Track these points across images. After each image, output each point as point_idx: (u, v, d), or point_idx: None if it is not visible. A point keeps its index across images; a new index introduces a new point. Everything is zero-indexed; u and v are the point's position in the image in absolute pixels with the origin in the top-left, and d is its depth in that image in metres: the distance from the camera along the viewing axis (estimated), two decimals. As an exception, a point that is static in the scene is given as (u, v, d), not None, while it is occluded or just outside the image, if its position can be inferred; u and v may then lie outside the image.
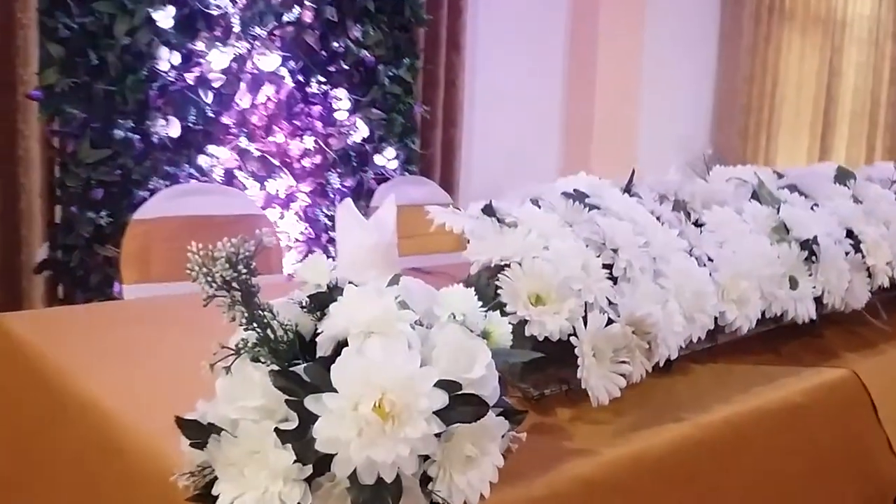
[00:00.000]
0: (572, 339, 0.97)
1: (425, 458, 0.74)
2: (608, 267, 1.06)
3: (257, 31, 2.75)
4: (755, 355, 1.33)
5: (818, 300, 1.34)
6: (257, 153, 2.82)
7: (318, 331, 0.81)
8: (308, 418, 0.72)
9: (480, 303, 0.86)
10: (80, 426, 1.10)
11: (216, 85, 2.66)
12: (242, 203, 2.50)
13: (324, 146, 2.99)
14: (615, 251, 1.07)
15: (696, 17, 4.92)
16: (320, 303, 0.84)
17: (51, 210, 2.49)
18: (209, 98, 2.65)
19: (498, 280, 1.00)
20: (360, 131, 3.05)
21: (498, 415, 0.80)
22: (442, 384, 0.74)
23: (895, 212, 1.56)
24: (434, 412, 0.73)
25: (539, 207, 1.13)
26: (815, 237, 1.33)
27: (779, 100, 5.32)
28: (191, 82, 2.61)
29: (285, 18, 2.84)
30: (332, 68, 2.99)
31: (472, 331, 0.83)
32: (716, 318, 1.18)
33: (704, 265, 1.19)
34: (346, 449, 0.71)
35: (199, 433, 0.77)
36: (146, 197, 2.41)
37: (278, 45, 2.83)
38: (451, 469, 0.77)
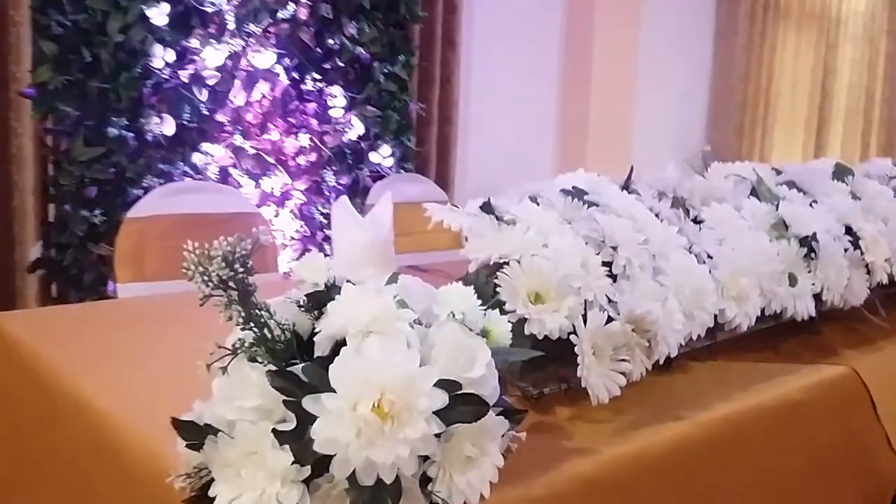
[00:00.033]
0: (572, 337, 0.96)
1: (425, 458, 0.73)
2: (607, 264, 1.05)
3: (252, 28, 2.74)
4: (754, 353, 1.32)
5: (817, 297, 1.33)
6: (252, 151, 2.81)
7: (316, 330, 0.80)
8: (306, 419, 0.71)
9: (479, 301, 0.85)
10: (74, 427, 1.09)
11: (210, 82, 2.65)
12: (237, 201, 2.49)
13: (319, 144, 2.97)
14: (614, 248, 1.06)
15: (691, 15, 4.92)
16: (318, 302, 0.83)
17: (44, 208, 2.48)
18: (203, 96, 2.64)
19: (497, 278, 0.99)
20: (356, 129, 3.04)
21: (498, 414, 0.79)
22: (442, 384, 0.73)
23: (893, 208, 1.56)
24: (434, 412, 0.72)
25: (538, 205, 1.12)
26: (815, 234, 1.32)
27: (774, 96, 5.32)
28: (185, 80, 2.60)
29: (280, 15, 2.83)
30: (327, 65, 2.98)
31: (471, 329, 0.82)
32: (715, 316, 1.17)
33: (704, 262, 1.18)
34: (344, 450, 0.70)
35: (196, 434, 0.76)
36: (140, 195, 2.39)
37: (273, 43, 2.82)
38: (451, 469, 0.76)
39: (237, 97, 2.74)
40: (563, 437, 0.97)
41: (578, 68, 4.16)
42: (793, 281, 1.28)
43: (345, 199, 1.64)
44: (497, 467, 0.79)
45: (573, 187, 1.16)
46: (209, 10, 2.63)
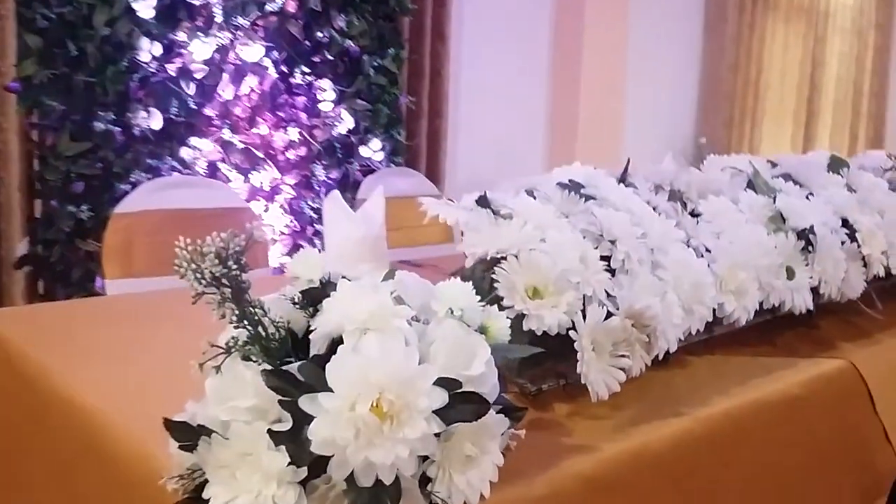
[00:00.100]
0: (571, 332, 0.95)
1: (424, 458, 0.72)
2: (606, 259, 1.04)
3: (240, 20, 2.71)
4: (751, 347, 1.31)
5: (814, 290, 1.32)
6: (241, 145, 2.78)
7: (311, 328, 0.78)
8: (302, 419, 0.70)
9: (477, 297, 0.84)
10: (63, 427, 1.07)
11: (198, 76, 2.62)
12: (226, 196, 2.47)
13: (308, 138, 2.95)
14: (613, 243, 1.04)
15: (680, 7, 4.91)
16: (313, 298, 0.81)
17: (30, 204, 2.45)
18: (191, 89, 2.61)
19: (494, 273, 0.97)
20: (346, 122, 3.02)
21: (498, 412, 0.78)
22: (441, 382, 0.72)
23: (889, 201, 1.55)
24: (433, 411, 0.70)
25: (534, 198, 1.10)
26: (812, 227, 1.31)
27: (763, 89, 5.33)
28: (172, 73, 2.57)
29: (268, 8, 2.80)
30: (316, 59, 2.95)
31: (469, 326, 0.80)
32: (713, 310, 1.16)
33: (702, 256, 1.17)
34: (342, 451, 0.68)
35: (189, 435, 0.74)
36: (128, 190, 2.37)
37: (261, 36, 2.79)
38: (451, 469, 0.74)
39: (225, 91, 2.72)
40: (563, 434, 0.96)
41: (568, 62, 4.15)
42: (790, 274, 1.27)
43: (336, 193, 1.63)
44: (497, 466, 0.77)
45: (570, 181, 1.15)
46: (196, 2, 2.60)
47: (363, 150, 3.08)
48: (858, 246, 1.40)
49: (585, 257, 1.00)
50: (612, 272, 1.04)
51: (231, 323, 0.76)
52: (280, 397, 0.71)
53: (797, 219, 1.32)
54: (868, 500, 1.32)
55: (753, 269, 1.20)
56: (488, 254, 1.00)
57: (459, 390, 0.73)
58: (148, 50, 2.49)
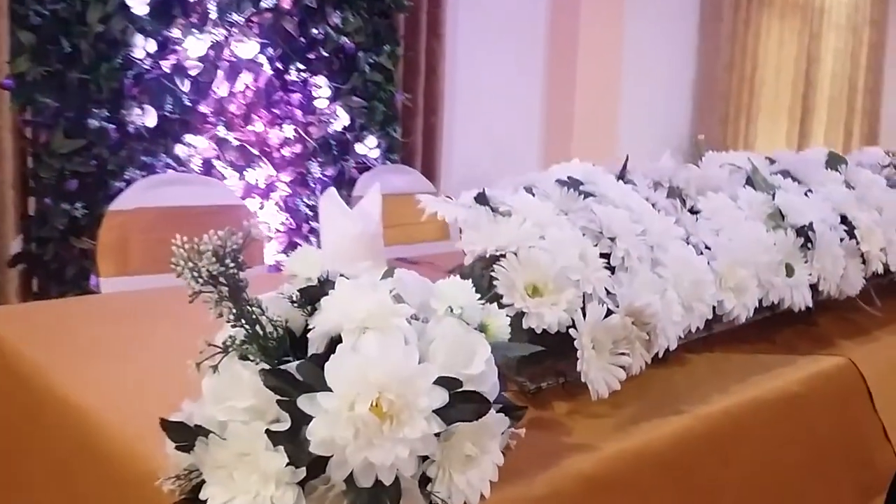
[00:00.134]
0: (571, 331, 0.94)
1: (424, 458, 0.71)
2: (605, 256, 1.03)
3: (234, 17, 2.69)
4: (750, 344, 1.31)
5: (813, 287, 1.31)
6: (236, 142, 2.77)
7: (310, 326, 0.78)
8: (301, 419, 0.69)
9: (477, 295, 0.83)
10: (58, 426, 1.06)
11: (193, 73, 2.61)
12: (221, 193, 2.46)
13: (304, 135, 2.94)
14: (612, 240, 1.04)
15: (675, 4, 4.91)
16: (311, 297, 0.80)
17: (24, 202, 2.44)
18: (186, 86, 2.59)
19: (493, 271, 0.96)
20: (341, 119, 3.00)
21: (498, 411, 0.77)
22: (441, 381, 0.71)
23: (887, 197, 1.54)
24: (434, 411, 0.69)
25: (533, 195, 1.09)
26: (811, 223, 1.30)
27: (758, 85, 5.33)
28: (167, 70, 2.56)
29: (263, 4, 2.78)
30: (311, 55, 2.94)
31: (469, 324, 0.80)
32: (713, 308, 1.15)
33: (702, 253, 1.17)
34: (342, 451, 0.67)
35: (186, 436, 0.73)
36: (122, 188, 2.36)
37: (256, 32, 2.78)
38: (451, 469, 0.74)
39: (220, 88, 2.70)
40: (563, 432, 0.95)
41: (564, 59, 4.14)
42: (790, 271, 1.27)
43: (332, 190, 1.61)
44: (497, 466, 0.77)
45: (569, 177, 1.14)
46: (191, -1, 2.59)
47: (359, 148, 3.07)
48: (857, 243, 1.39)
49: (585, 255, 0.99)
50: (612, 270, 1.03)
51: (228, 322, 0.75)
52: (278, 397, 0.70)
53: (796, 216, 1.32)
54: (867, 497, 1.32)
55: (753, 267, 1.20)
56: (487, 251, 0.99)
57: (460, 389, 0.72)
58: (142, 47, 2.47)
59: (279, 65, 2.87)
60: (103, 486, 0.95)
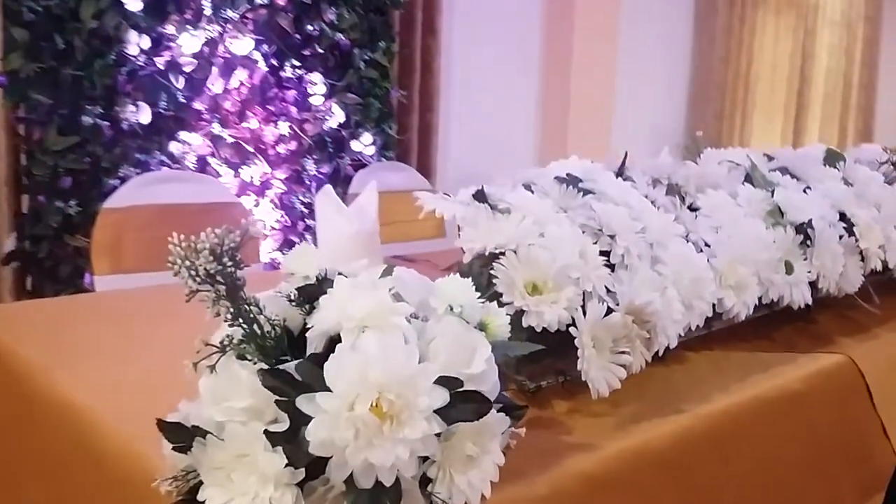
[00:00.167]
0: (571, 329, 0.93)
1: (424, 458, 0.70)
2: (605, 254, 1.02)
3: (229, 13, 2.68)
4: (749, 342, 1.30)
5: (812, 285, 1.31)
6: (231, 139, 2.75)
7: (308, 325, 0.77)
8: (300, 419, 0.68)
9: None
10: (53, 427, 1.05)
11: (187, 69, 2.59)
12: (216, 191, 2.44)
13: (299, 132, 2.92)
14: (612, 237, 1.03)
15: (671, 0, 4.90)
16: (309, 296, 0.79)
17: (17, 199, 2.42)
18: (180, 83, 2.58)
19: (492, 269, 0.96)
20: (336, 116, 2.99)
21: (498, 411, 0.76)
22: (442, 381, 0.70)
23: (885, 194, 1.54)
24: (434, 411, 0.69)
25: (532, 193, 1.08)
26: (810, 221, 1.30)
27: (753, 81, 5.33)
28: (161, 67, 2.54)
29: (257, 1, 2.77)
30: (306, 52, 2.92)
31: (468, 323, 0.79)
32: (713, 305, 1.15)
33: (701, 251, 1.16)
34: (341, 452, 0.66)
35: (183, 436, 0.72)
36: (116, 185, 2.34)
37: (251, 29, 2.76)
38: (451, 469, 0.73)
39: (215, 84, 2.69)
40: (563, 432, 0.94)
41: (558, 55, 4.13)
42: (789, 269, 1.26)
43: (329, 188, 1.60)
44: (498, 466, 0.76)
45: (567, 174, 1.13)
46: (185, -5, 2.57)
47: (354, 145, 3.06)
48: (856, 240, 1.39)
49: (585, 252, 0.98)
50: (612, 267, 1.02)
51: (226, 321, 0.74)
52: (277, 397, 0.69)
53: (795, 213, 1.31)
54: (866, 494, 1.31)
55: (753, 264, 1.19)
56: (486, 249, 0.98)
57: (460, 389, 0.71)
58: (136, 43, 2.46)
59: (274, 61, 2.86)
60: (99, 486, 0.94)
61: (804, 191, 1.42)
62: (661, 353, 1.06)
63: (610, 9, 4.24)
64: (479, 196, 1.05)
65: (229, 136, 2.75)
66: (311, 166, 2.96)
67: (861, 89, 6.29)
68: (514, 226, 0.99)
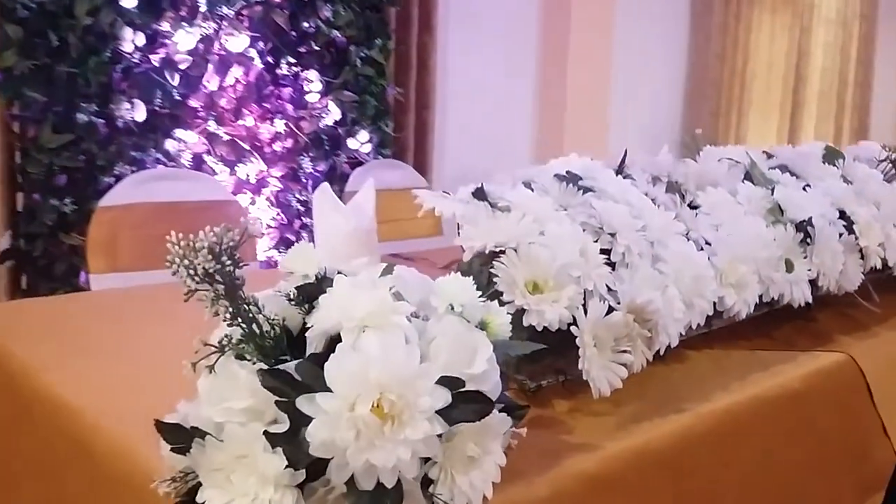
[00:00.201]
0: (572, 328, 0.93)
1: (426, 459, 0.70)
2: (605, 252, 1.01)
3: (224, 10, 2.66)
4: (749, 340, 1.30)
5: (812, 283, 1.31)
6: (226, 137, 2.74)
7: (307, 325, 0.76)
8: (300, 420, 0.67)
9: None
10: (49, 428, 1.04)
11: (183, 67, 2.58)
12: (212, 188, 2.43)
13: (295, 129, 2.91)
14: (613, 235, 1.02)
15: (667, -3, 4.90)
16: (308, 295, 0.78)
17: (12, 197, 2.40)
18: (175, 80, 2.56)
19: (492, 267, 0.95)
20: (333, 114, 2.98)
21: (500, 411, 0.76)
22: (444, 381, 0.69)
23: (884, 192, 1.53)
24: (436, 411, 0.68)
25: (531, 190, 1.08)
26: (810, 218, 1.29)
27: (749, 79, 5.32)
28: (156, 64, 2.52)
29: (253, -2, 2.76)
30: (302, 49, 2.91)
31: (469, 322, 0.78)
32: (714, 304, 1.14)
33: (702, 249, 1.15)
34: (342, 453, 0.66)
35: (181, 437, 0.71)
36: (112, 183, 2.33)
37: (246, 26, 2.75)
38: (453, 470, 0.72)
39: (210, 82, 2.67)
40: (564, 431, 0.94)
41: (555, 52, 4.12)
42: (789, 267, 1.26)
43: (326, 186, 1.60)
44: (499, 466, 0.75)
45: (567, 172, 1.12)
46: (180, -9, 2.56)
47: (350, 142, 3.04)
48: (856, 238, 1.39)
49: (585, 251, 0.98)
50: (612, 266, 1.02)
51: (225, 320, 0.73)
52: (277, 398, 0.69)
53: (795, 210, 1.31)
54: (866, 493, 1.31)
55: (753, 262, 1.19)
56: (486, 247, 0.97)
57: (462, 389, 0.71)
58: (131, 40, 2.44)
59: (270, 59, 2.84)
60: (94, 488, 0.93)
61: (804, 188, 1.41)
62: (661, 352, 1.06)
63: (606, 7, 4.24)
64: (479, 194, 1.04)
65: (225, 133, 2.74)
66: (307, 164, 2.94)
67: (856, 87, 6.29)
68: (514, 224, 0.98)
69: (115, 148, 2.44)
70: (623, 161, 1.24)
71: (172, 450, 0.72)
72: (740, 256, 1.17)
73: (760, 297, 1.22)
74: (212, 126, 2.70)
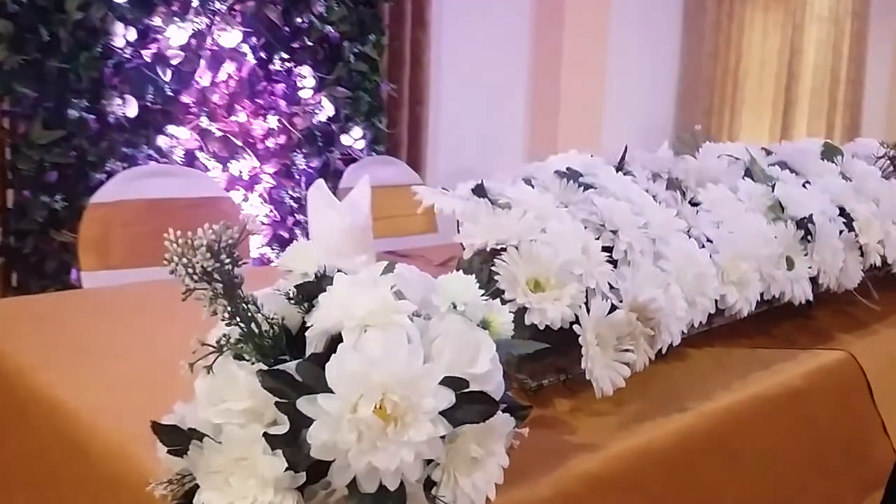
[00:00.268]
0: (574, 327, 0.91)
1: (429, 461, 0.68)
2: (607, 249, 1.00)
3: (217, 5, 2.64)
4: (749, 338, 1.29)
5: (813, 280, 1.30)
6: (219, 133, 2.72)
7: (307, 324, 0.74)
8: (300, 421, 0.66)
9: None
10: (41, 429, 1.02)
11: (174, 62, 2.56)
12: (205, 185, 2.42)
13: (288, 126, 2.89)
14: (614, 233, 1.01)
15: (660, -6, 4.89)
16: (308, 293, 0.77)
17: (2, 194, 2.38)
18: (167, 76, 2.54)
19: (493, 265, 0.93)
20: (326, 110, 2.96)
21: (503, 411, 0.74)
22: (447, 381, 0.68)
23: (883, 189, 1.53)
24: (440, 412, 0.67)
25: (532, 187, 1.06)
26: (811, 215, 1.28)
27: (742, 77, 5.32)
28: (148, 59, 2.50)
29: (246, -8, 2.73)
30: (295, 45, 2.89)
31: (472, 321, 0.77)
32: (715, 301, 1.13)
33: (703, 246, 1.14)
34: (344, 455, 0.64)
35: (179, 439, 0.70)
36: (103, 180, 2.31)
37: (239, 21, 2.73)
38: (456, 472, 0.71)
39: (202, 77, 2.65)
40: (566, 431, 0.92)
41: (548, 49, 4.11)
42: (790, 264, 1.25)
43: (321, 182, 1.58)
44: (503, 468, 0.74)
45: (567, 169, 1.11)
46: (172, -14, 2.53)
47: (344, 139, 3.02)
48: (856, 235, 1.38)
49: (587, 248, 0.96)
50: (614, 263, 1.00)
51: (223, 320, 0.71)
52: (276, 399, 0.67)
53: (796, 207, 1.30)
54: (866, 491, 1.31)
55: (755, 260, 1.18)
56: (487, 245, 0.96)
57: (466, 390, 0.69)
58: (122, 35, 2.42)
59: (263, 54, 2.82)
60: (89, 489, 0.92)
61: (803, 185, 1.40)
62: (664, 351, 1.05)
63: (600, 4, 4.23)
64: (479, 191, 1.03)
65: (217, 129, 2.72)
66: (300, 160, 2.92)
67: (848, 85, 6.30)
68: (515, 221, 0.97)
69: (107, 144, 2.42)
70: (623, 158, 1.23)
71: (169, 452, 0.70)
72: (742, 254, 1.16)
73: (761, 294, 1.22)
74: (204, 122, 2.68)
